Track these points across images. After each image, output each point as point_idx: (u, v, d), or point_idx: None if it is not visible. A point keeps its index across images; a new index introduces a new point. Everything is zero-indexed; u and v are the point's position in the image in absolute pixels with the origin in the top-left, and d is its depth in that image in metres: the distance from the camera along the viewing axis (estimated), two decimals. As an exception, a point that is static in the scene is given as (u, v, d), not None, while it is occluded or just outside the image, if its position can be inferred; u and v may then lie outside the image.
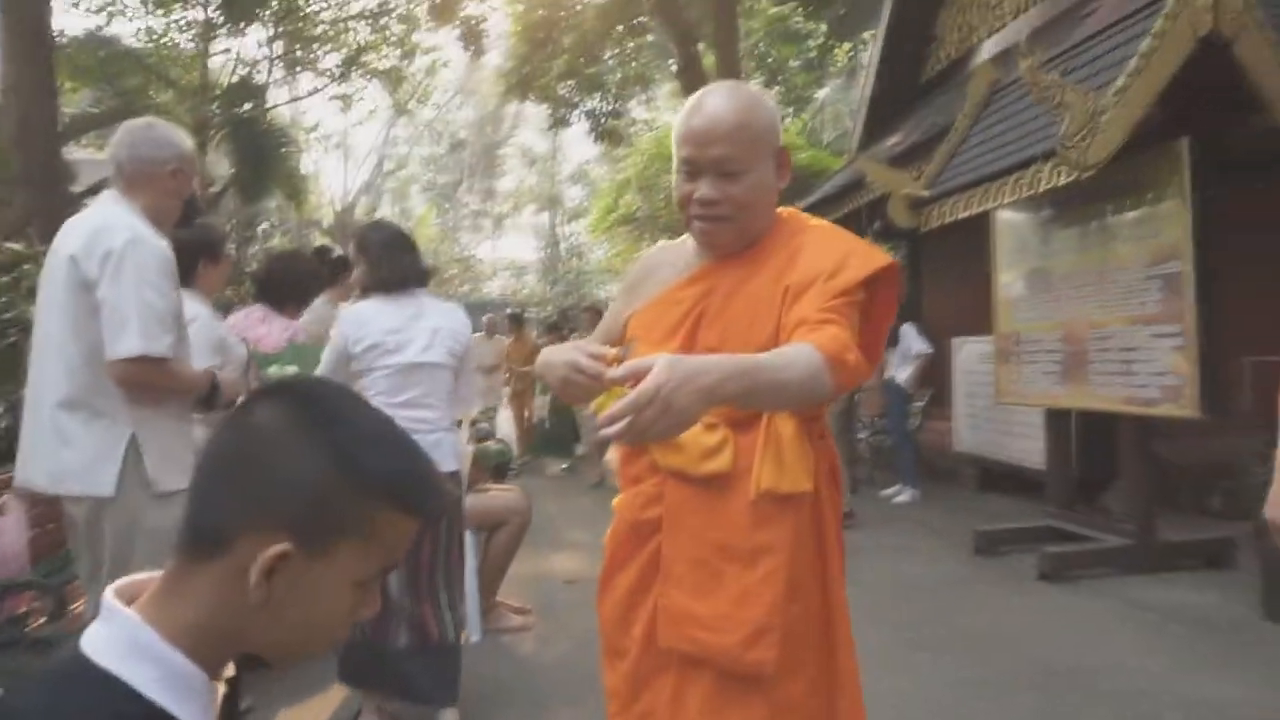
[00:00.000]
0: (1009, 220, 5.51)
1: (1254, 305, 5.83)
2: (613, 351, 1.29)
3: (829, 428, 1.60)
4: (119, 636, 0.76)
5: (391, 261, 2.81)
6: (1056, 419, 5.41)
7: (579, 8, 14.08)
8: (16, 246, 4.84)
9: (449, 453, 2.83)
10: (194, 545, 0.78)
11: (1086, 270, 4.88)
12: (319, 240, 17.05)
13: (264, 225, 12.23)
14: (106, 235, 2.08)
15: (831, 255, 1.44)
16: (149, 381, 2.09)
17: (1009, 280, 5.58)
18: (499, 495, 4.04)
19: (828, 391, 1.28)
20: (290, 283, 3.82)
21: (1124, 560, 4.63)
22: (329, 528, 0.78)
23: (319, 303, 4.02)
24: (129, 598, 0.80)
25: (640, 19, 14.40)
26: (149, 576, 0.83)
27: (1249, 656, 3.46)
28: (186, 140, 2.40)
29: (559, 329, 10.50)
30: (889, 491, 7.06)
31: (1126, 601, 4.18)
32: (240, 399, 2.73)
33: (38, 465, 2.15)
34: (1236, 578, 4.44)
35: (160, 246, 2.15)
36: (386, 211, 29.29)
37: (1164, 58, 4.10)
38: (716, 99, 1.48)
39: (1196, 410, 4.24)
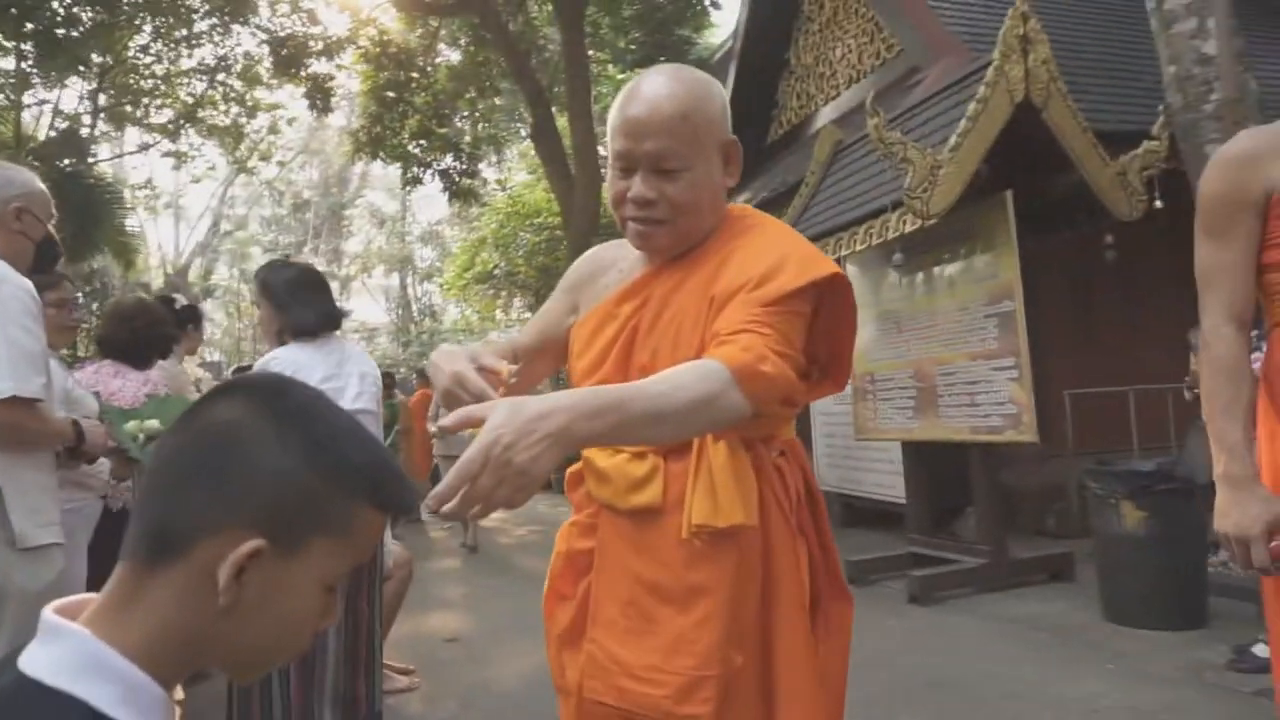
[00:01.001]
0: (859, 269, 5.92)
1: (1067, 343, 6.53)
2: (506, 368, 1.18)
3: (796, 447, 1.43)
4: (70, 655, 0.70)
5: (308, 304, 2.72)
6: (913, 452, 5.77)
7: (430, 69, 14.10)
8: None
9: None
10: (149, 551, 0.73)
11: (931, 312, 5.30)
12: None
13: (92, 286, 11.30)
14: None
15: (762, 262, 1.27)
16: (19, 426, 1.91)
17: (862, 324, 5.95)
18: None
19: (740, 409, 1.12)
20: (144, 338, 3.57)
21: (982, 579, 4.97)
22: (304, 524, 0.75)
23: (167, 361, 3.77)
24: (70, 617, 0.74)
25: (492, 81, 14.60)
26: (85, 597, 0.78)
27: (1100, 654, 3.79)
28: (33, 179, 2.25)
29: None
30: None
31: (989, 616, 4.48)
32: (100, 456, 2.53)
33: None
34: (1077, 588, 4.86)
35: (25, 285, 1.99)
36: (224, 274, 27.76)
37: (988, 120, 4.59)
38: (655, 84, 1.31)
39: (1034, 435, 4.65)
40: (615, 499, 1.33)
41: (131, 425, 3.11)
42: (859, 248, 5.45)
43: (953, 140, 4.56)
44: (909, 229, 4.85)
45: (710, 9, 14.13)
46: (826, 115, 8.99)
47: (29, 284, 2.03)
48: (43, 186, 2.29)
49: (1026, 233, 4.80)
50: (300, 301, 2.72)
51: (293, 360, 2.67)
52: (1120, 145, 4.91)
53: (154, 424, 3.15)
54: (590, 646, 1.33)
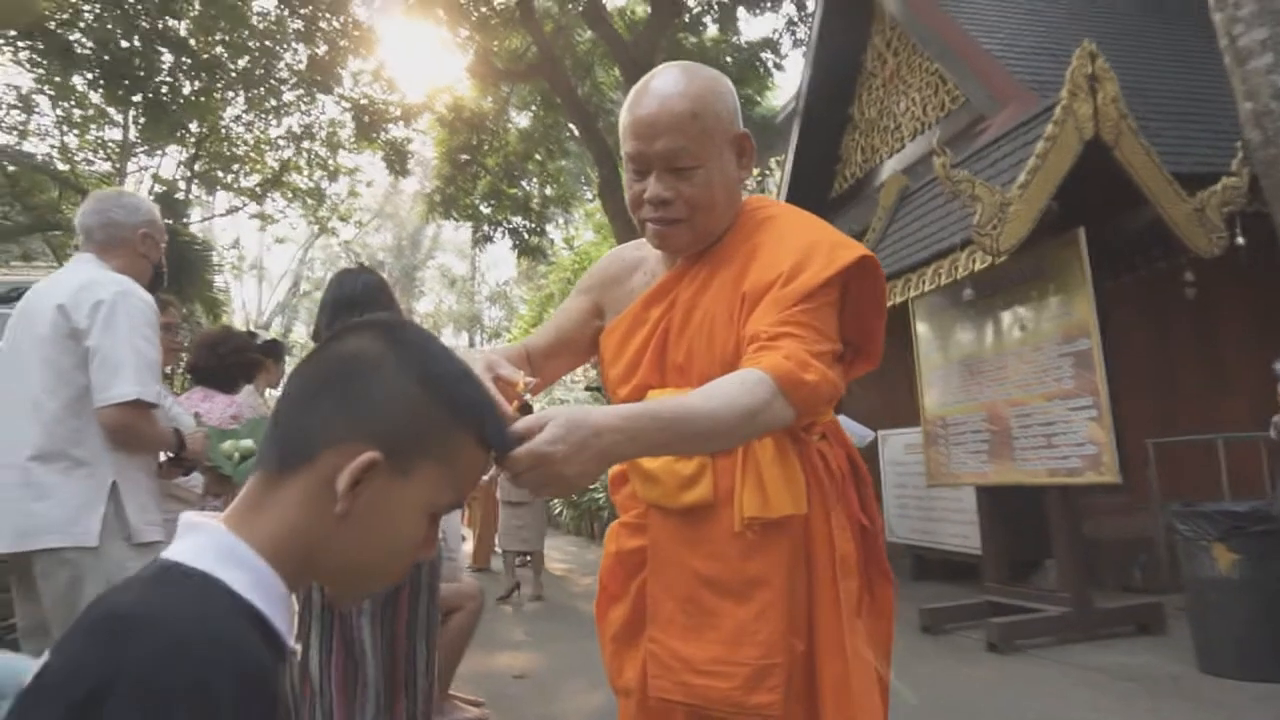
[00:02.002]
0: (928, 311, 5.88)
1: (1147, 388, 6.31)
2: (522, 380, 1.17)
3: (835, 428, 1.44)
4: (207, 544, 0.77)
5: (331, 319, 2.57)
6: (988, 498, 5.62)
7: (501, 132, 14.66)
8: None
9: None
10: (280, 460, 0.81)
11: (1004, 353, 5.22)
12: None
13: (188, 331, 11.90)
14: (95, 288, 2.10)
15: (790, 254, 1.29)
16: (137, 428, 2.05)
17: (931, 367, 5.89)
18: (451, 581, 3.93)
19: (787, 418, 1.16)
20: (230, 363, 3.76)
21: (1064, 628, 4.77)
22: (416, 447, 0.82)
23: (246, 391, 3.94)
24: None
25: (560, 143, 15.09)
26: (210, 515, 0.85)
27: (1193, 705, 3.59)
28: (155, 209, 2.47)
29: None
30: None
31: (1072, 665, 4.29)
32: (196, 467, 2.67)
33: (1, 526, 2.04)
34: (1168, 640, 4.63)
35: (149, 299, 2.17)
36: (302, 332, 28.83)
37: (1056, 157, 4.58)
38: (663, 83, 1.31)
39: (1116, 476, 4.50)
40: (665, 499, 1.33)
41: (228, 445, 3.27)
42: (928, 288, 5.42)
43: (1021, 178, 4.56)
44: (979, 267, 4.82)
45: (774, 70, 14.44)
46: (891, 167, 9.04)
47: (151, 299, 2.21)
48: (158, 210, 2.50)
49: (1102, 273, 4.74)
50: (332, 318, 2.57)
51: None
52: (1195, 186, 4.82)
53: (248, 443, 3.31)
54: (651, 645, 1.33)
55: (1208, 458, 6.02)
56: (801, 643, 1.29)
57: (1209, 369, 6.50)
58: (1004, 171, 5.13)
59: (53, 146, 13.03)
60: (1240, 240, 4.78)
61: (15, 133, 13.07)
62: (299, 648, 0.77)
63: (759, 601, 1.27)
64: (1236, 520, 3.92)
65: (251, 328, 25.89)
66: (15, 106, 12.71)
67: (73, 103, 12.98)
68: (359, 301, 2.53)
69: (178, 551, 0.78)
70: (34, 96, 12.79)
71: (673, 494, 1.32)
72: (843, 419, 6.97)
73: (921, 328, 5.95)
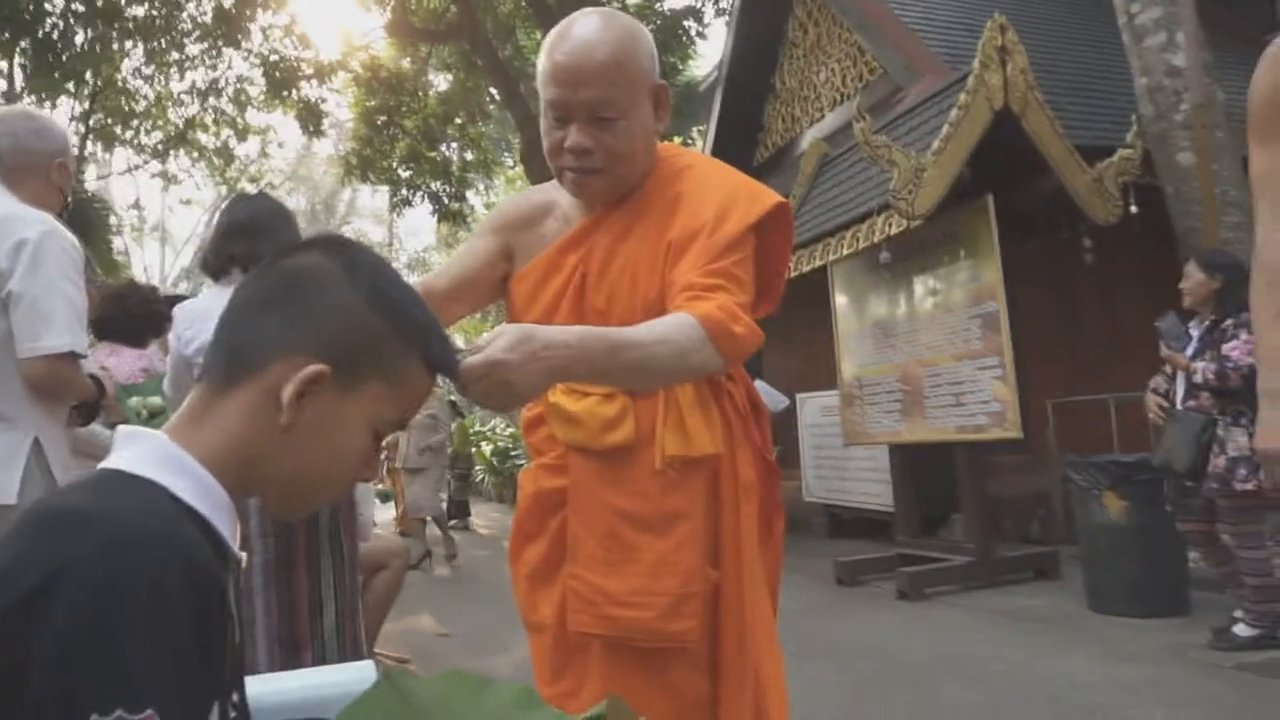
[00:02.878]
0: (846, 277, 6.05)
1: (1049, 351, 6.65)
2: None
3: (741, 375, 1.49)
4: (149, 452, 0.77)
5: (219, 245, 2.41)
6: (900, 458, 5.85)
7: (421, 94, 14.29)
8: None
9: None
10: (225, 371, 0.81)
11: (917, 316, 5.42)
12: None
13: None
14: (16, 225, 1.92)
15: (712, 202, 1.33)
16: (67, 380, 1.94)
17: (849, 331, 6.08)
18: (376, 538, 3.90)
19: (714, 365, 1.22)
20: (137, 313, 3.60)
21: (969, 576, 5.04)
22: (363, 363, 0.83)
23: (154, 346, 3.79)
24: None
25: (481, 106, 14.80)
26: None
27: (1085, 638, 3.87)
28: (66, 131, 2.31)
29: None
30: None
31: (977, 609, 4.55)
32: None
33: None
34: (1063, 585, 4.94)
35: (73, 240, 2.03)
36: (206, 300, 27.70)
37: (969, 126, 4.76)
38: (585, 29, 1.30)
39: (1019, 431, 4.76)
40: (588, 440, 1.35)
41: (134, 400, 3.15)
42: (845, 252, 5.58)
43: (936, 144, 4.72)
44: (895, 231, 4.98)
45: (696, 39, 14.45)
46: (811, 137, 9.20)
47: (76, 240, 2.07)
48: (71, 144, 2.34)
49: (1009, 238, 4.95)
50: (219, 243, 2.43)
51: (187, 311, 2.44)
52: (1096, 157, 5.08)
53: (156, 400, 3.20)
54: (571, 582, 1.35)
55: (1103, 417, 6.40)
56: (714, 571, 1.35)
57: (1107, 332, 6.88)
58: (920, 139, 5.29)
59: (-71, 97, 12.11)
60: (1134, 209, 5.06)
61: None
62: (244, 555, 0.76)
63: (678, 534, 1.31)
64: (1125, 470, 4.20)
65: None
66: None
67: (-49, 48, 12.09)
68: (249, 228, 2.36)
69: (117, 460, 0.77)
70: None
71: (595, 436, 1.34)
72: (760, 384, 7.16)
73: (839, 293, 6.12)
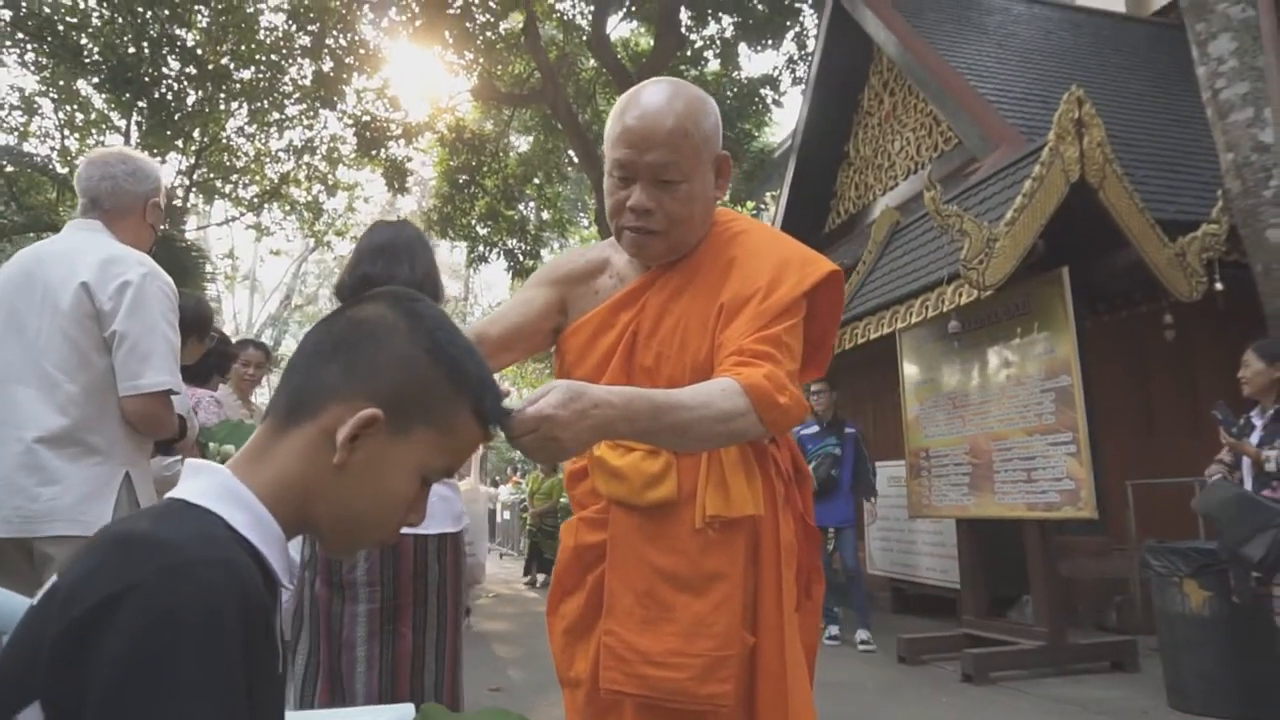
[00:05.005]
0: (915, 345, 5.97)
1: (1127, 429, 6.40)
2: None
3: (785, 440, 1.50)
4: (210, 485, 0.82)
5: (355, 265, 2.30)
6: (968, 532, 5.67)
7: (502, 154, 14.82)
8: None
9: (438, 509, 2.12)
10: (287, 412, 0.86)
11: (988, 387, 5.30)
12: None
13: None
14: (120, 267, 2.04)
15: (766, 269, 1.36)
16: (161, 417, 2.05)
17: (917, 400, 5.97)
18: (474, 583, 3.92)
19: (756, 433, 1.24)
20: (207, 354, 3.76)
21: (1038, 661, 4.81)
22: (416, 411, 0.87)
23: (223, 389, 3.93)
24: None
25: (560, 167, 15.25)
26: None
27: (1164, 738, 3.63)
28: (159, 170, 2.38)
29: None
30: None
31: (1045, 698, 4.32)
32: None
33: None
34: (1141, 678, 4.67)
35: (170, 281, 2.15)
36: (291, 346, 28.78)
37: (1043, 197, 4.70)
38: (656, 97, 1.35)
39: (1093, 511, 4.57)
40: (631, 495, 1.36)
41: (211, 448, 3.29)
42: (914, 320, 5.51)
43: (1008, 215, 4.67)
44: (965, 301, 4.91)
45: (773, 106, 14.69)
46: (884, 204, 9.20)
47: (171, 281, 2.19)
48: (164, 182, 2.46)
49: (1084, 312, 4.84)
50: (353, 269, 2.28)
51: None
52: (1179, 232, 4.93)
53: (229, 449, 3.33)
54: (606, 638, 1.34)
55: (1186, 500, 6.08)
56: (751, 636, 1.34)
57: (1187, 412, 6.60)
58: (992, 209, 5.25)
59: (53, 149, 13.06)
60: (1219, 286, 4.89)
61: (16, 133, 13.14)
62: (291, 589, 0.80)
63: (716, 595, 1.30)
64: (1208, 557, 3.98)
65: (240, 338, 25.85)
66: (18, 108, 12.79)
67: (76, 106, 13.08)
68: (388, 250, 2.29)
69: (182, 490, 0.82)
70: (37, 99, 12.89)
71: (638, 491, 1.35)
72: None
73: (908, 361, 6.03)
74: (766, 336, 1.29)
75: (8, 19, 11.01)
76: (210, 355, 3.67)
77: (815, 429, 6.10)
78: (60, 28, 11.01)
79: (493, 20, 12.81)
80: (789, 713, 1.32)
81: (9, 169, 12.17)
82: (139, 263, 2.09)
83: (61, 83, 12.40)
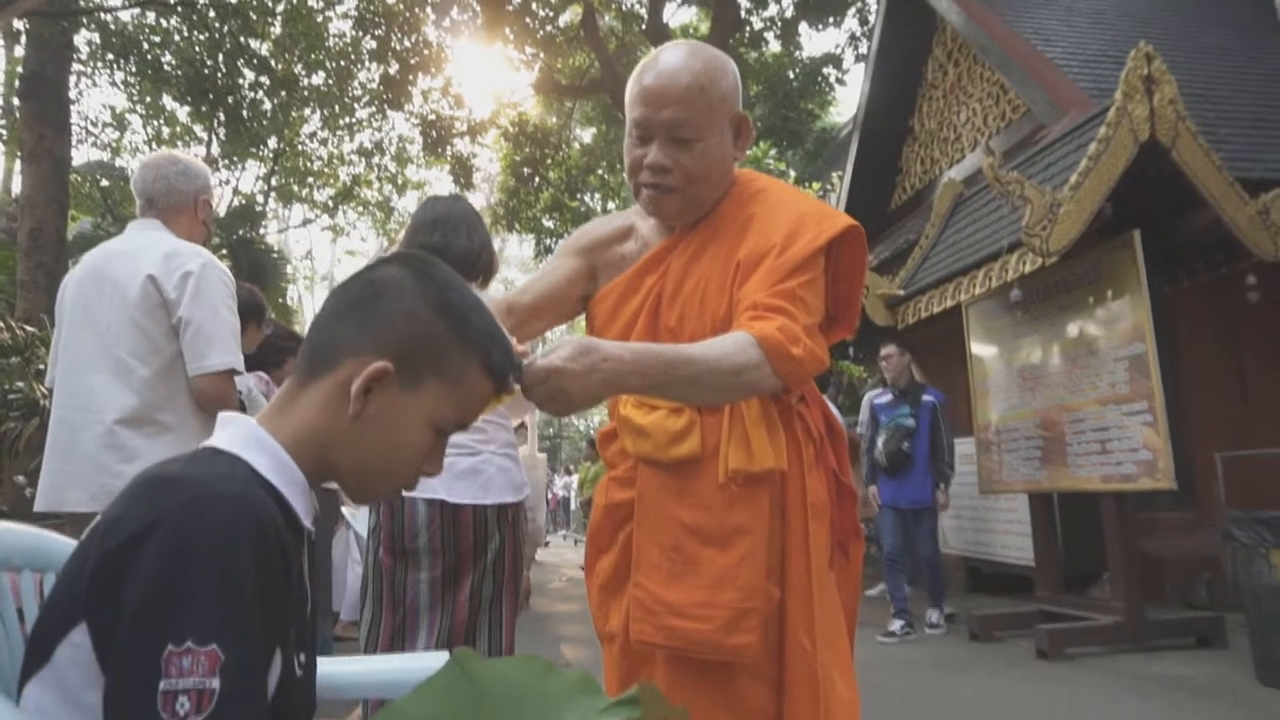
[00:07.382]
0: (981, 317, 5.83)
1: (1216, 399, 6.10)
2: (520, 348, 1.16)
3: (812, 391, 1.50)
4: (238, 433, 0.90)
5: (411, 238, 2.32)
6: (1042, 507, 5.52)
7: (565, 146, 14.97)
8: (31, 329, 4.94)
9: (498, 480, 2.21)
10: (308, 367, 0.94)
11: (1058, 357, 5.14)
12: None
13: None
14: (181, 259, 2.21)
15: (782, 224, 1.37)
16: (226, 395, 2.20)
17: (984, 374, 5.83)
18: (535, 544, 4.02)
19: (770, 385, 1.25)
20: (277, 343, 3.92)
21: (1117, 637, 4.67)
22: (426, 364, 0.93)
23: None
24: None
25: (622, 156, 15.32)
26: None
27: (1246, 713, 3.49)
28: (207, 169, 2.53)
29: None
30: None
31: (1124, 674, 4.19)
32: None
33: (81, 485, 2.15)
34: (1228, 654, 4.48)
35: (226, 269, 2.31)
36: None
37: (1110, 159, 4.53)
38: (673, 57, 1.37)
39: (1172, 482, 4.40)
40: (656, 452, 1.38)
41: None
42: (978, 292, 5.39)
43: (1073, 179, 4.52)
44: (1029, 269, 4.78)
45: (836, 85, 14.45)
46: (950, 177, 8.97)
47: (226, 269, 2.35)
48: (211, 180, 2.61)
49: (1159, 277, 4.65)
50: (413, 239, 2.30)
51: None
52: (1265, 190, 4.69)
53: None
54: (635, 591, 1.37)
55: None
56: (777, 589, 1.35)
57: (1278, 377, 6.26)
58: (1058, 175, 5.08)
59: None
60: (1307, 243, 4.63)
61: (109, 149, 13.90)
62: (313, 529, 0.86)
63: (740, 549, 1.32)
64: (1296, 527, 3.80)
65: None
66: (109, 125, 13.53)
67: (162, 121, 13.75)
68: (442, 222, 2.32)
69: (214, 439, 0.91)
70: (127, 116, 13.60)
71: (662, 448, 1.38)
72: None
73: (974, 335, 5.89)
74: (781, 290, 1.30)
75: (98, 41, 11.64)
76: (276, 342, 3.84)
77: (889, 397, 5.68)
78: (144, 45, 11.57)
79: (551, 14, 12.95)
80: (819, 667, 1.32)
81: (104, 183, 12.91)
82: (197, 254, 2.26)
83: (148, 99, 13.07)
